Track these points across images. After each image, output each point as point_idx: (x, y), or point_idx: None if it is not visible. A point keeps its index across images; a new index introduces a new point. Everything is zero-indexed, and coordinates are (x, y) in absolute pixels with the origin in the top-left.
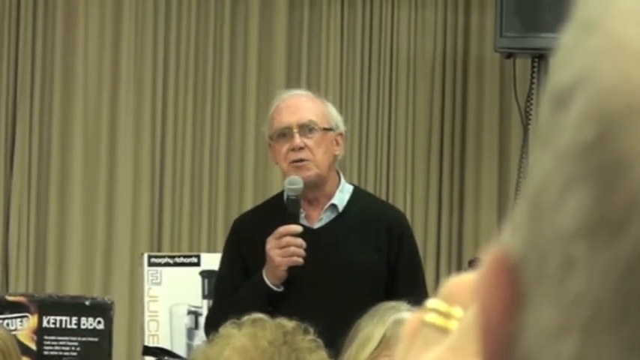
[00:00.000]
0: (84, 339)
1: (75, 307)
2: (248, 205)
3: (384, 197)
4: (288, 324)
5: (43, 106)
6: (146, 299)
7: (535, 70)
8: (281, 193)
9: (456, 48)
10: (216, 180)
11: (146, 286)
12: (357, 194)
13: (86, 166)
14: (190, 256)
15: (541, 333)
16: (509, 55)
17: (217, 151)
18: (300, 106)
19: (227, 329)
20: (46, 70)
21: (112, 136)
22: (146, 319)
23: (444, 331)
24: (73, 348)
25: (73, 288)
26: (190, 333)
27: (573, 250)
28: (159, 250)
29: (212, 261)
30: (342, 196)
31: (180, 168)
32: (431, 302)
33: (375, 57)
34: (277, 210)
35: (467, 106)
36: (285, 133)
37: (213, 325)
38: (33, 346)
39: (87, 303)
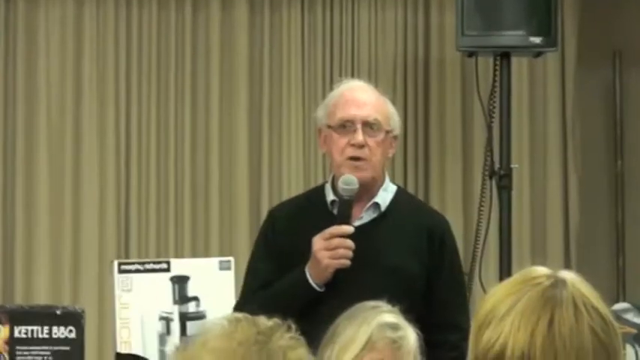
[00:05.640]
0: (56, 348)
1: (46, 316)
2: (214, 210)
3: None
4: (264, 323)
5: (7, 119)
6: (117, 306)
7: (497, 67)
8: (322, 186)
9: (417, 48)
10: (182, 186)
11: (117, 293)
12: (401, 195)
13: (51, 175)
14: (160, 262)
15: None
16: (471, 54)
17: (182, 157)
18: (368, 101)
19: (202, 331)
20: (9, 84)
21: (76, 145)
22: (118, 326)
23: None
24: (45, 357)
25: (42, 298)
26: (162, 339)
27: None
28: (126, 257)
29: (182, 266)
30: (385, 195)
31: (146, 174)
32: None
33: (336, 59)
34: (319, 204)
35: (429, 106)
36: (346, 126)
37: None
38: (5, 356)
39: (58, 312)
